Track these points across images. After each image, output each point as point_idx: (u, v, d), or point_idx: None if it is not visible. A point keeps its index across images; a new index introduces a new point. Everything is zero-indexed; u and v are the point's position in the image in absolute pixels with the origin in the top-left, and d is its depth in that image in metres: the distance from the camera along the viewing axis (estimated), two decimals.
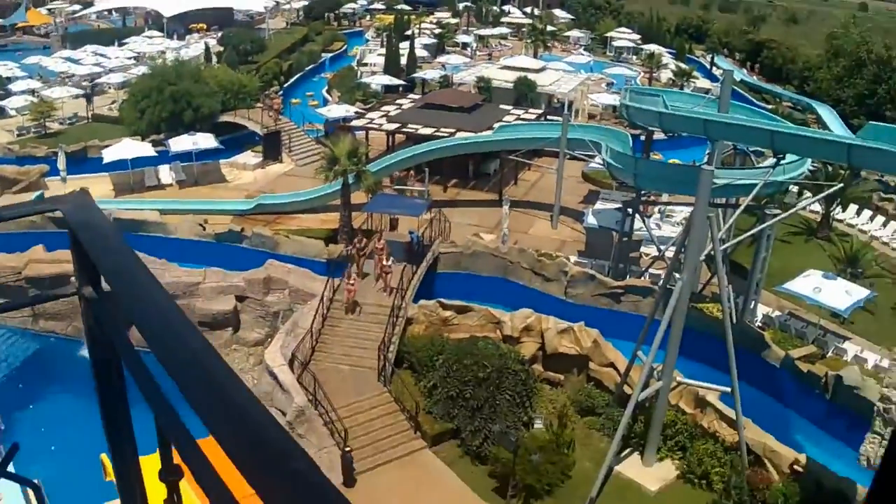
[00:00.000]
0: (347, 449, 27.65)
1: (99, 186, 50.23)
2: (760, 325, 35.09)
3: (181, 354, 1.72)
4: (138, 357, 1.87)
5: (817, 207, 46.99)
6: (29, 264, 38.73)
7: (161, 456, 2.06)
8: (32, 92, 66.56)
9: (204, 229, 43.12)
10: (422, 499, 26.92)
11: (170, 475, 2.02)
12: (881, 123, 29.40)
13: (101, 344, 2.24)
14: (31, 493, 23.62)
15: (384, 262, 35.45)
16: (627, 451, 29.25)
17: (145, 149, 52.24)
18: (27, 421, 32.29)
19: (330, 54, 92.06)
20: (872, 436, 17.54)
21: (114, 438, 2.49)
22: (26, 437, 30.02)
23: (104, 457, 25.06)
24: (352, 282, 34.09)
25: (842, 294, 32.65)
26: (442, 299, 35.48)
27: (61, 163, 49.85)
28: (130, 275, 2.00)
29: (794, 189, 46.35)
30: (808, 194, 43.76)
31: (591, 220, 42.77)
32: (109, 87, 72.55)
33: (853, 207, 49.24)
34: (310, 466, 1.43)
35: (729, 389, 27.38)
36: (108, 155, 50.96)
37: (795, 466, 26.50)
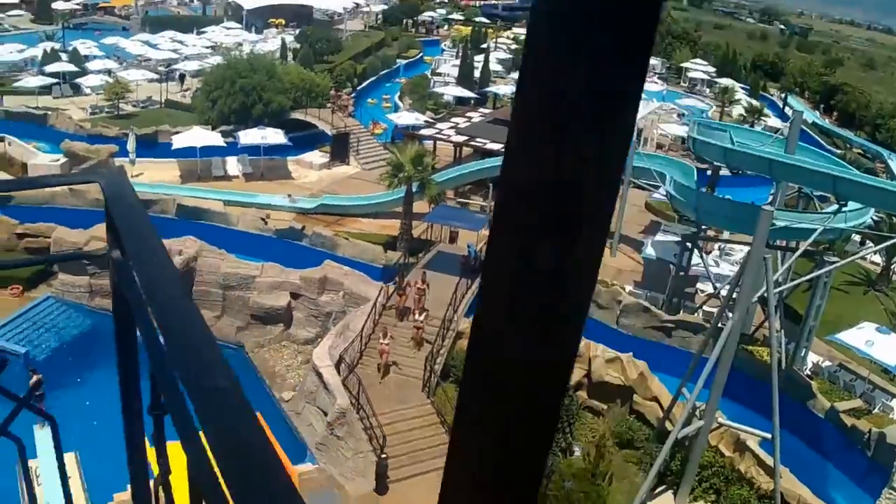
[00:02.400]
0: (384, 456, 27.86)
1: (166, 171, 51.16)
2: (809, 373, 34.73)
3: (173, 321, 1.94)
4: (149, 318, 2.12)
5: (879, 259, 46.49)
6: (91, 241, 39.39)
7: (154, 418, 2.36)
8: (108, 72, 67.97)
9: (265, 224, 43.66)
10: None
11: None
12: None
13: (121, 303, 2.54)
14: (68, 459, 24.13)
15: (417, 317, 34.38)
16: (662, 488, 29.07)
17: (214, 138, 52.99)
18: (72, 394, 32.90)
19: (405, 61, 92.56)
20: (889, 491, 17.28)
21: (124, 394, 2.81)
22: (70, 410, 30.58)
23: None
24: (386, 342, 32.56)
25: (895, 349, 32.25)
26: None
27: (131, 144, 50.82)
28: (145, 245, 2.26)
29: (857, 238, 45.89)
30: (871, 244, 43.27)
31: (650, 250, 42.67)
32: (184, 75, 73.53)
33: None
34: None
35: (770, 436, 27.12)
36: (178, 141, 51.78)
37: None
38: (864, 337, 32.75)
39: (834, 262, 32.63)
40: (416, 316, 34.11)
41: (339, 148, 57.25)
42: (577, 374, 33.26)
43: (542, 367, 1.07)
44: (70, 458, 24.75)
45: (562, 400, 1.12)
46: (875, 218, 38.89)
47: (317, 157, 57.21)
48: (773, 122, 76.40)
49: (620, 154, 0.95)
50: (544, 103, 0.93)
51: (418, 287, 34.99)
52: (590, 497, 27.13)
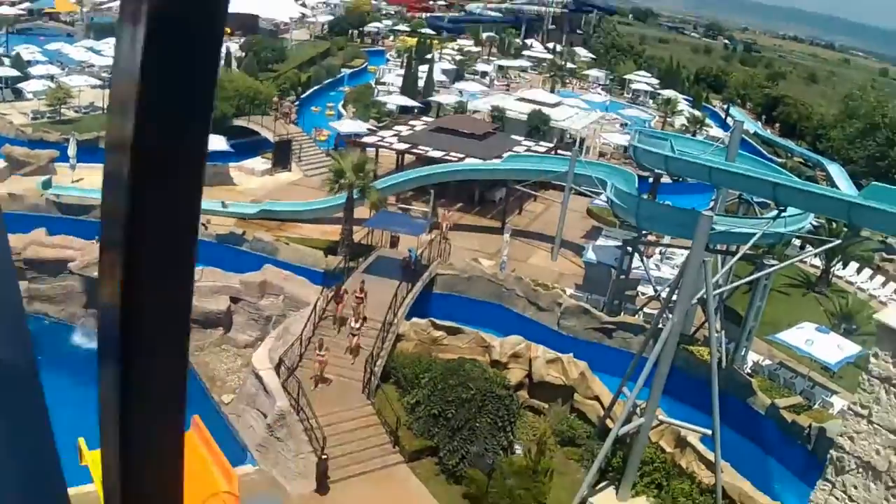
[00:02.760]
0: (324, 456, 27.69)
1: None
2: (750, 372, 35.06)
3: None
4: None
5: (818, 262, 47.17)
6: (29, 246, 38.96)
7: None
8: (51, 77, 67.00)
9: (206, 229, 43.32)
10: None
11: None
12: (885, 185, 29.42)
13: None
14: None
15: (353, 325, 33.59)
16: (604, 483, 29.16)
17: None
18: None
19: (350, 70, 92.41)
20: (823, 483, 17.48)
21: None
22: None
23: (81, 441, 25.24)
24: (322, 353, 31.92)
25: (834, 348, 32.63)
26: (434, 319, 35.58)
27: (72, 150, 50.14)
28: None
29: (797, 242, 46.51)
30: (811, 248, 43.88)
31: (590, 255, 42.94)
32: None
33: (854, 265, 49.37)
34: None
35: (710, 432, 27.36)
36: None
37: None
38: (803, 336, 33.14)
39: (773, 265, 33.01)
40: (353, 324, 33.54)
41: (282, 154, 57.03)
42: (518, 375, 33.37)
43: None
44: None
45: None
46: (814, 223, 39.34)
47: (259, 163, 56.90)
48: (716, 132, 77.34)
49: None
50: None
51: (356, 295, 34.73)
52: (531, 493, 27.17)
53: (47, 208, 43.42)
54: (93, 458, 24.82)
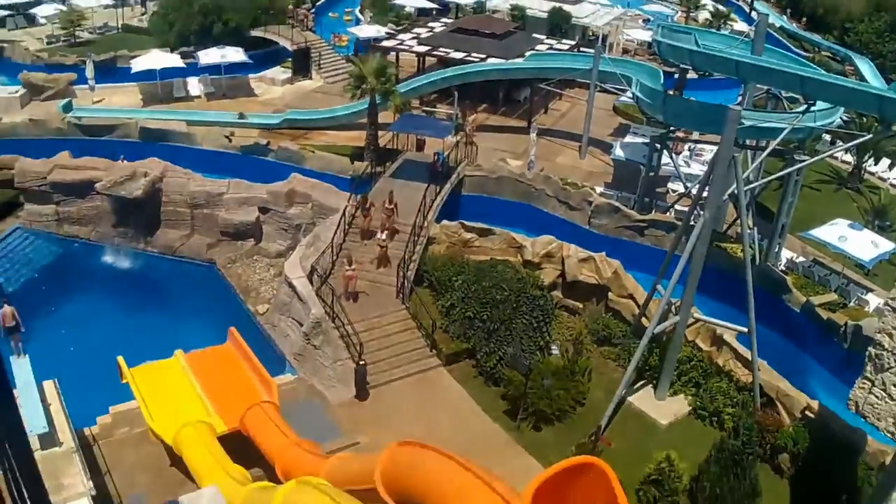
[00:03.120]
0: (362, 362, 27.80)
1: (127, 96, 50.45)
2: (784, 269, 34.77)
3: None
4: None
5: (850, 158, 46.47)
6: (55, 170, 38.84)
7: None
8: (63, 1, 66.23)
9: (230, 141, 43.08)
10: (432, 415, 27.08)
11: None
12: None
13: None
14: (47, 387, 23.93)
15: (381, 237, 33.21)
16: (641, 383, 29.20)
17: (174, 60, 52.24)
18: (48, 323, 32.65)
19: None
20: (863, 381, 17.35)
21: None
22: (46, 340, 30.36)
23: (121, 359, 25.41)
24: (352, 268, 31.43)
25: (868, 245, 32.25)
26: (464, 221, 35.37)
27: (90, 71, 49.86)
28: None
29: (828, 137, 45.83)
30: (841, 143, 43.14)
31: (619, 152, 42.52)
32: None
33: (886, 161, 48.49)
34: None
35: (746, 330, 27.25)
36: (137, 65, 50.84)
37: (807, 412, 26.29)
38: (836, 233, 32.77)
39: (804, 161, 32.47)
40: (381, 235, 33.18)
41: (301, 63, 56.45)
42: (551, 275, 33.25)
43: None
44: (49, 386, 24.57)
45: None
46: (844, 118, 38.63)
47: (279, 73, 56.35)
48: (740, 26, 75.63)
49: None
50: None
51: (386, 207, 34.29)
52: (570, 393, 27.26)
53: (70, 131, 43.34)
54: (133, 375, 25.07)
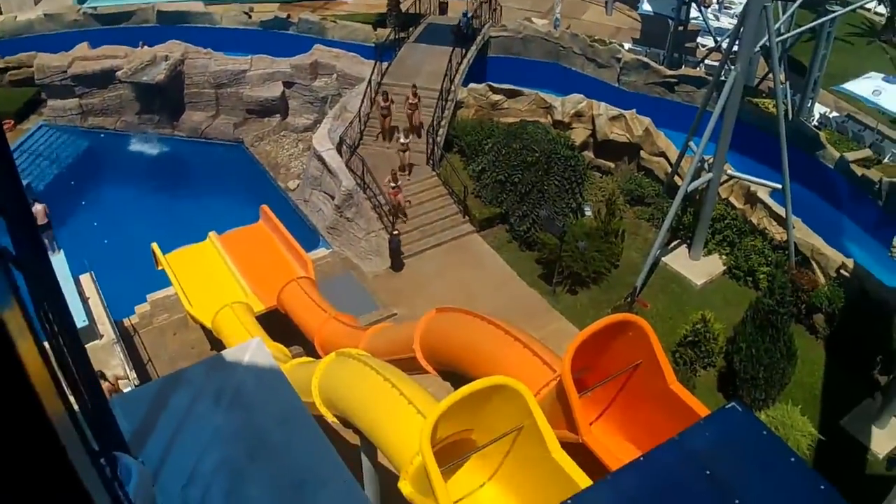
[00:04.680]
0: (395, 232, 27.84)
1: None
2: (817, 124, 33.98)
3: None
4: None
5: (883, 10, 44.99)
6: (74, 62, 38.44)
7: None
8: None
9: (250, 17, 42.39)
10: (469, 282, 27.23)
11: None
12: None
13: None
14: (84, 281, 24.19)
15: (402, 139, 30.81)
16: (675, 243, 29.12)
17: None
18: (80, 217, 32.84)
19: None
20: None
21: None
22: (79, 233, 30.56)
23: (155, 246, 25.55)
24: (395, 185, 29.23)
25: None
26: (492, 83, 34.85)
27: None
28: None
29: None
30: None
31: (646, 7, 41.51)
32: None
33: None
34: None
35: (780, 187, 26.83)
36: None
37: (842, 271, 26.05)
38: (870, 87, 32.03)
39: (836, 11, 31.47)
40: (403, 138, 30.88)
41: None
42: (581, 134, 32.84)
43: None
44: (86, 280, 24.80)
45: None
46: None
47: None
48: None
49: None
50: None
51: (410, 102, 32.22)
52: (604, 254, 27.21)
53: (86, 22, 42.57)
54: (168, 261, 25.25)
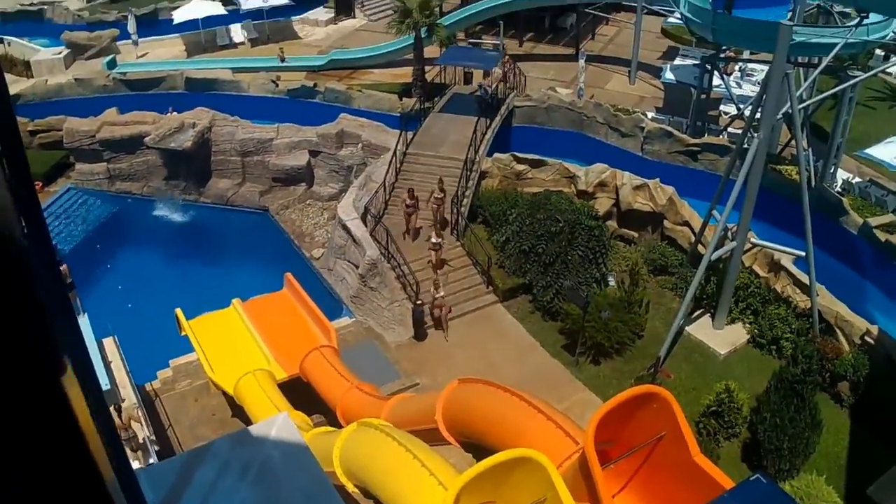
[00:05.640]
0: (419, 302, 27.88)
1: (171, 48, 50.45)
2: (839, 190, 33.95)
3: None
4: None
5: None
6: (103, 127, 39.13)
7: None
8: None
9: (276, 86, 43.01)
10: (491, 352, 27.20)
11: None
12: None
13: None
14: (107, 344, 24.32)
15: (433, 239, 29.88)
16: (699, 312, 28.99)
17: (216, 8, 51.90)
18: (105, 280, 33.13)
19: None
20: None
21: None
22: (104, 296, 30.79)
23: (179, 312, 25.71)
24: (441, 294, 28.46)
25: None
26: (516, 153, 35.11)
27: (132, 26, 49.77)
28: None
29: (881, 53, 44.58)
30: (895, 58, 41.94)
31: (669, 75, 41.89)
32: None
33: None
34: None
35: (803, 254, 26.77)
36: (179, 16, 50.61)
37: (867, 338, 25.85)
38: (893, 151, 31.98)
39: (857, 76, 31.64)
40: (434, 238, 30.00)
41: (344, 2, 55.97)
42: (605, 204, 32.95)
43: None
44: (109, 343, 24.92)
45: None
46: None
47: (322, 13, 55.93)
48: None
49: None
50: None
51: (435, 197, 31.55)
52: (627, 325, 27.13)
53: (115, 87, 43.48)
54: (191, 327, 25.38)
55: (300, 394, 23.59)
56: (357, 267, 29.92)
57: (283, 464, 5.67)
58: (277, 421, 6.14)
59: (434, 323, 28.74)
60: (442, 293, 28.37)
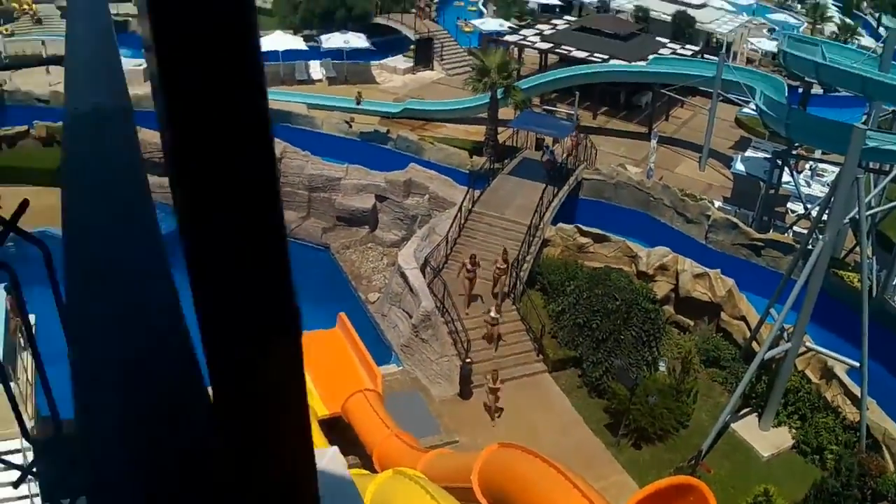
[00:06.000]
0: (468, 360, 27.91)
1: None
2: None
3: None
4: None
5: None
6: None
7: None
8: None
9: (350, 127, 43.52)
10: (534, 421, 27.13)
11: None
12: None
13: None
14: None
15: (493, 314, 29.83)
16: (746, 410, 28.66)
17: (297, 42, 52.87)
18: None
19: None
20: None
21: None
22: None
23: None
24: (494, 315, 29.55)
25: None
26: (580, 225, 35.20)
27: None
28: None
29: None
30: None
31: (739, 166, 41.84)
32: None
33: None
34: None
35: (858, 364, 26.44)
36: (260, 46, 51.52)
37: None
38: None
39: None
40: (493, 313, 29.86)
41: (423, 53, 56.72)
42: (664, 288, 32.82)
43: None
44: None
45: None
46: None
47: (401, 61, 56.65)
48: (867, 41, 73.52)
49: None
50: None
51: (498, 267, 31.01)
52: (673, 413, 26.97)
53: None
54: None
55: (338, 432, 23.64)
56: (411, 316, 30.03)
57: (330, 498, 5.74)
58: (328, 454, 6.21)
59: (485, 408, 27.76)
60: (500, 384, 27.31)
